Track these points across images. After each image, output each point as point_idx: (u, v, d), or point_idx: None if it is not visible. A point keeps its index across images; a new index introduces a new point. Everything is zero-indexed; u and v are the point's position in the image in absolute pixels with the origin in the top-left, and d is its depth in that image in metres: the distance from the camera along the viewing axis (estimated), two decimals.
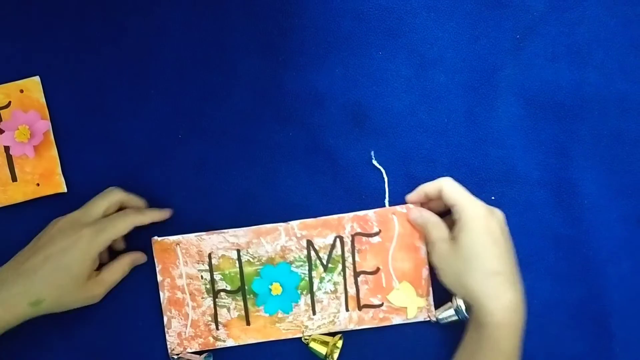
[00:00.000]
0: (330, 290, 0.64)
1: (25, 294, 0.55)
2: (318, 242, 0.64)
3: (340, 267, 0.64)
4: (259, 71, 0.66)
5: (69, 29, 0.66)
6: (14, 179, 0.64)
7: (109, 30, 0.65)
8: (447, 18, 0.65)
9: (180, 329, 0.63)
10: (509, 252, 0.57)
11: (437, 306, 0.63)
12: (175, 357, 0.63)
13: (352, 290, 0.64)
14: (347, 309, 0.63)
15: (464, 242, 0.57)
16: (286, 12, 0.65)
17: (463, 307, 0.61)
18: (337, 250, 0.64)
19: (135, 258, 0.62)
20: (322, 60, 0.66)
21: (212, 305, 0.63)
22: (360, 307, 0.63)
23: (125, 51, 0.65)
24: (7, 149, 0.63)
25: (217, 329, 0.63)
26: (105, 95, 0.65)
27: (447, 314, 0.62)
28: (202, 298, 0.63)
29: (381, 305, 0.63)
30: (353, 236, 0.64)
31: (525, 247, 0.64)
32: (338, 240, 0.64)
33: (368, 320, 0.63)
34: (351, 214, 0.64)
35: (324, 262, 0.64)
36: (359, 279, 0.64)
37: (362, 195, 0.65)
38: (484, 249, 0.56)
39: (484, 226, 0.57)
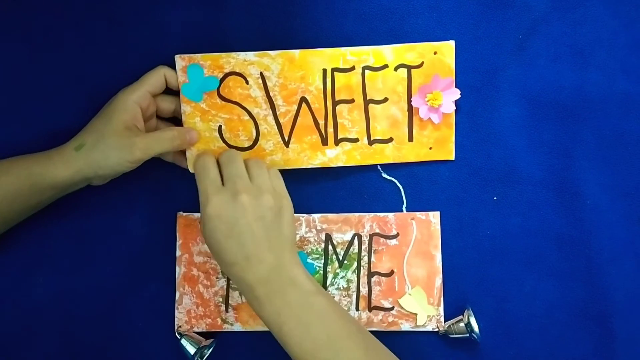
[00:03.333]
0: (343, 287, 0.64)
1: (73, 141, 0.59)
2: (337, 237, 0.64)
3: (355, 265, 0.64)
4: None
5: (71, 27, 0.66)
6: (411, 139, 0.64)
7: (111, 30, 0.65)
8: (449, 18, 0.65)
9: (191, 306, 0.63)
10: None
11: (447, 319, 0.63)
12: (181, 334, 0.62)
13: (364, 290, 0.63)
14: (357, 309, 0.63)
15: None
16: (289, 13, 0.65)
17: (474, 323, 0.61)
18: (355, 248, 0.64)
19: (181, 132, 0.61)
20: None
21: (225, 287, 0.64)
22: (370, 308, 0.63)
23: (126, 50, 0.65)
24: (411, 109, 0.64)
25: (227, 311, 0.63)
26: (106, 93, 0.65)
27: (456, 327, 0.62)
28: (217, 278, 0.64)
29: (391, 309, 0.63)
30: (371, 236, 0.64)
31: (527, 248, 0.64)
32: (356, 238, 0.64)
33: (377, 322, 0.63)
34: (371, 214, 0.64)
35: (340, 258, 0.64)
36: (373, 279, 0.64)
37: (364, 196, 0.65)
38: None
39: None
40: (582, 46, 0.65)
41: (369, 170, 0.65)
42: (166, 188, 0.64)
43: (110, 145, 0.58)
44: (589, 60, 0.65)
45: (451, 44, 0.64)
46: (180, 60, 0.62)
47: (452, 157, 0.65)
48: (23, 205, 0.59)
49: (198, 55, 0.62)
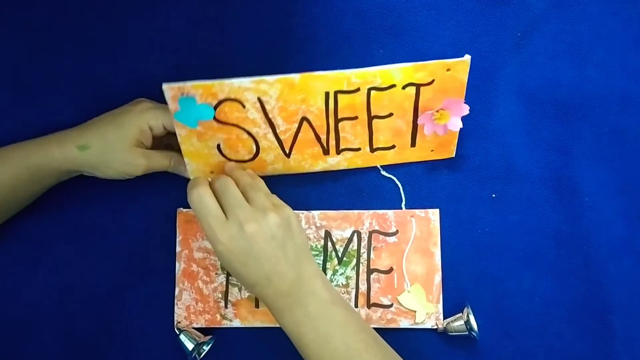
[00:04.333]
0: (342, 284, 0.64)
1: (77, 137, 0.59)
2: (336, 234, 0.64)
3: (354, 262, 0.64)
4: (261, 70, 0.65)
5: (72, 28, 0.66)
6: (413, 144, 0.64)
7: (111, 29, 0.66)
8: (448, 16, 0.65)
9: (190, 302, 0.63)
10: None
11: (446, 317, 0.63)
12: (180, 330, 0.62)
13: (363, 287, 0.63)
14: (356, 306, 0.63)
15: None
16: (287, 10, 0.65)
17: (473, 321, 0.61)
18: (354, 245, 0.64)
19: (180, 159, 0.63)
20: (323, 59, 0.66)
21: (224, 283, 0.64)
22: (369, 305, 0.63)
23: (127, 50, 0.66)
24: (416, 121, 0.62)
25: (226, 307, 0.63)
26: (105, 91, 0.66)
27: (455, 325, 0.62)
28: (216, 274, 0.64)
29: (390, 306, 0.63)
30: (371, 233, 0.64)
31: (526, 245, 0.65)
32: (356, 235, 0.64)
33: (376, 319, 0.63)
34: (371, 211, 0.64)
35: (340, 255, 0.64)
36: (372, 276, 0.64)
37: (364, 193, 0.65)
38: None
39: None
40: (580, 44, 0.65)
41: (369, 168, 0.65)
42: (166, 184, 0.64)
43: (117, 159, 0.59)
44: (587, 58, 0.65)
45: (467, 60, 0.58)
46: (169, 90, 0.55)
47: (453, 155, 0.65)
48: (24, 194, 0.61)
49: (189, 84, 0.56)
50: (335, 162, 0.64)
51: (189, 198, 0.56)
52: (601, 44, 0.65)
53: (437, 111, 0.61)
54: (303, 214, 0.64)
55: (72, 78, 0.65)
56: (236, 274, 0.56)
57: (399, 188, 0.65)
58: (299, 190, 0.65)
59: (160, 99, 0.61)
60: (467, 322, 0.61)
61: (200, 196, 0.55)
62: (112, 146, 0.59)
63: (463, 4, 0.65)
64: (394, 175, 0.65)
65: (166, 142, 0.63)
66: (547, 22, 0.66)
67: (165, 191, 0.64)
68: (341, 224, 0.64)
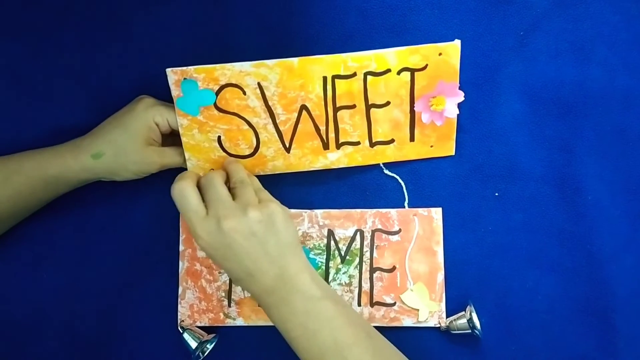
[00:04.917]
0: (345, 283, 0.64)
1: (89, 146, 0.59)
2: (339, 233, 0.64)
3: (357, 260, 0.64)
4: None
5: (74, 25, 0.66)
6: (412, 139, 0.64)
7: (113, 27, 0.66)
8: (451, 15, 0.65)
9: (194, 301, 0.63)
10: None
11: (449, 315, 0.63)
12: (183, 329, 0.63)
13: (366, 286, 0.64)
14: (359, 304, 0.63)
15: None
16: (290, 10, 0.65)
17: (476, 319, 0.61)
18: (357, 244, 0.64)
19: None
20: None
21: (227, 281, 0.64)
22: (372, 304, 0.63)
23: (130, 51, 0.66)
24: (413, 110, 0.63)
25: (229, 306, 0.64)
26: (107, 91, 0.66)
27: (458, 323, 0.62)
28: (219, 273, 0.64)
29: (393, 304, 0.63)
30: (373, 231, 0.64)
31: (529, 243, 0.65)
32: (359, 233, 0.64)
33: (379, 318, 0.63)
34: (374, 210, 0.64)
35: (342, 254, 0.64)
36: (375, 275, 0.64)
37: (366, 192, 0.65)
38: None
39: None
40: (583, 42, 0.65)
41: (371, 166, 0.65)
42: (170, 183, 0.64)
43: (131, 160, 0.59)
44: (590, 56, 0.65)
45: (457, 44, 0.61)
46: (173, 75, 0.59)
47: (453, 153, 0.65)
48: (37, 202, 0.61)
49: (191, 68, 0.59)
50: (335, 158, 0.64)
51: (171, 192, 0.56)
52: (604, 42, 0.65)
53: (434, 97, 0.62)
54: (306, 212, 0.64)
55: (74, 76, 0.65)
56: (221, 268, 0.56)
57: (402, 187, 0.65)
58: (302, 189, 0.65)
59: (162, 97, 0.62)
60: (470, 321, 0.61)
61: (182, 190, 0.56)
62: (124, 149, 0.59)
63: (466, 3, 0.65)
64: (396, 174, 0.65)
65: (171, 143, 0.63)
66: (549, 21, 0.65)
67: (168, 190, 0.64)
68: (344, 222, 0.64)
